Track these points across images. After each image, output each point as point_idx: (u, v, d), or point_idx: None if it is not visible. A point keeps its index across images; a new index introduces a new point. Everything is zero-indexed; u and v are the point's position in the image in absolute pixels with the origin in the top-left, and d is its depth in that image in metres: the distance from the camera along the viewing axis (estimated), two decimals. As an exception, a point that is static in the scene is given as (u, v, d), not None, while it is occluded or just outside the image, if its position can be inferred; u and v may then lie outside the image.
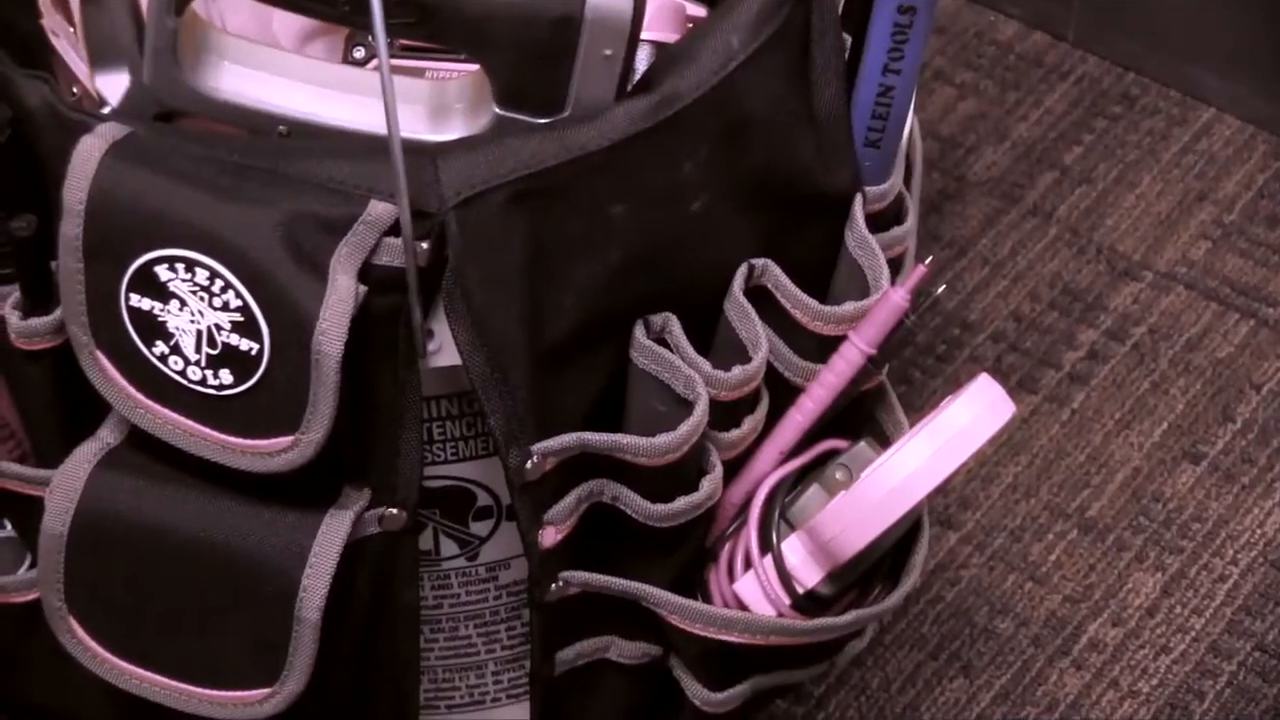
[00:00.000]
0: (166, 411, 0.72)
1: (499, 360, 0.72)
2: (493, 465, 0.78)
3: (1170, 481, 1.05)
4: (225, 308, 0.69)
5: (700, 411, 0.75)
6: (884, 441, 0.82)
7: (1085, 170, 1.21)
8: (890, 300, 0.78)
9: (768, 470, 0.80)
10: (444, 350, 0.73)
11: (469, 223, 0.70)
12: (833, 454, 0.80)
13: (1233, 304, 1.13)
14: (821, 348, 0.79)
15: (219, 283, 0.69)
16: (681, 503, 0.77)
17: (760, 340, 0.76)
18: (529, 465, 0.74)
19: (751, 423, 0.79)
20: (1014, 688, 0.97)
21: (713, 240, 0.76)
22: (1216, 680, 0.97)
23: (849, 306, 0.78)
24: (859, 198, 0.80)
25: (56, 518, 0.74)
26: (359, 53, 0.83)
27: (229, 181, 0.69)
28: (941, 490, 0.90)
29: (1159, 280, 1.15)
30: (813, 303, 0.78)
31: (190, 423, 0.72)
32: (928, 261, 0.78)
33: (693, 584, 0.82)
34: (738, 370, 0.76)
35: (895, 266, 0.84)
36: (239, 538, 0.73)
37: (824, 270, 0.81)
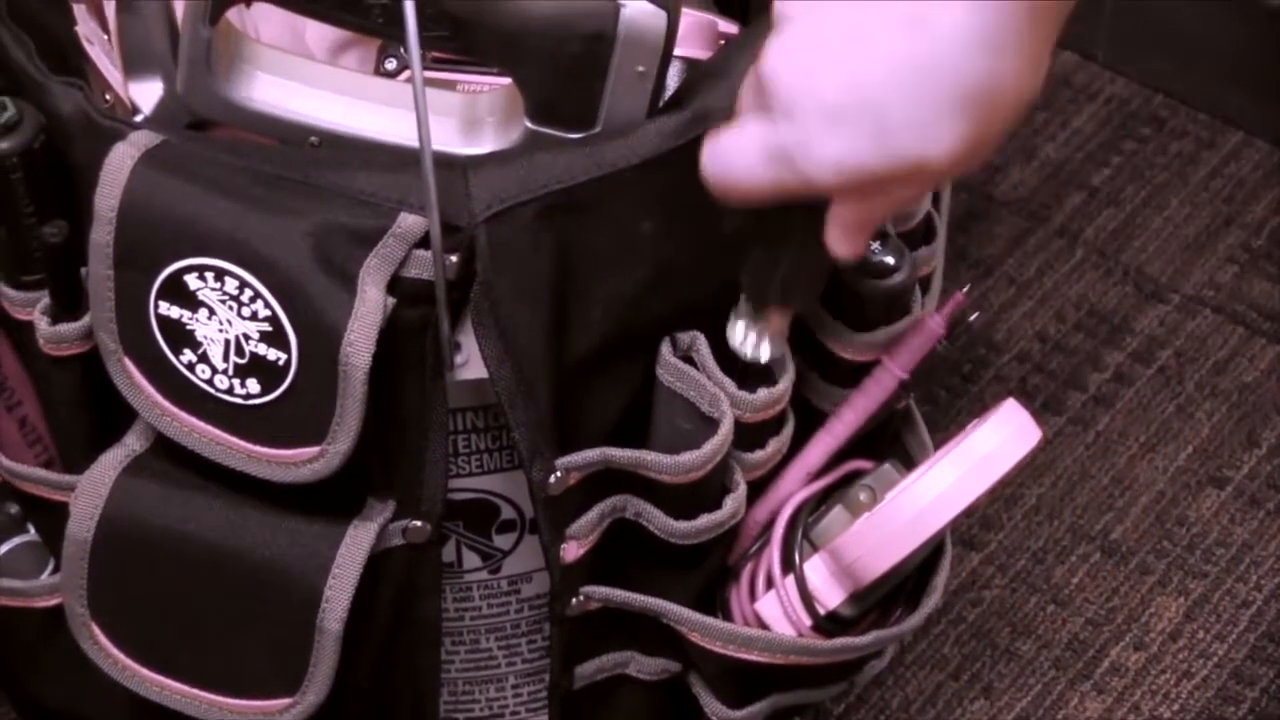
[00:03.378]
0: (193, 419, 0.72)
1: (525, 374, 0.72)
2: (517, 478, 0.78)
3: (1194, 506, 1.05)
4: (254, 317, 0.69)
5: (725, 430, 0.74)
6: (909, 463, 0.81)
7: (1113, 192, 1.21)
8: (926, 327, 0.78)
9: (793, 490, 0.80)
10: (471, 363, 0.73)
11: (498, 237, 0.70)
12: (857, 474, 0.80)
13: (1259, 328, 1.13)
14: (851, 373, 0.79)
15: (248, 292, 0.69)
16: (704, 520, 0.77)
17: (786, 364, 0.76)
18: (552, 479, 0.74)
19: (776, 444, 0.78)
20: (1035, 710, 0.96)
21: (743, 261, 0.76)
22: (1239, 706, 0.97)
23: (881, 333, 0.78)
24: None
25: (81, 523, 0.74)
26: (391, 64, 0.83)
27: (260, 191, 0.69)
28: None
29: (1185, 303, 1.14)
30: (845, 330, 0.78)
31: (216, 431, 0.72)
32: (965, 290, 0.78)
33: (714, 602, 0.82)
34: (763, 393, 0.76)
35: (924, 285, 0.84)
36: (263, 547, 0.73)
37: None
